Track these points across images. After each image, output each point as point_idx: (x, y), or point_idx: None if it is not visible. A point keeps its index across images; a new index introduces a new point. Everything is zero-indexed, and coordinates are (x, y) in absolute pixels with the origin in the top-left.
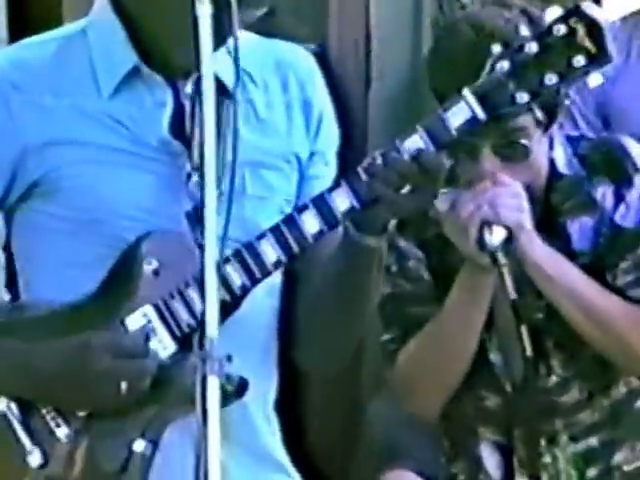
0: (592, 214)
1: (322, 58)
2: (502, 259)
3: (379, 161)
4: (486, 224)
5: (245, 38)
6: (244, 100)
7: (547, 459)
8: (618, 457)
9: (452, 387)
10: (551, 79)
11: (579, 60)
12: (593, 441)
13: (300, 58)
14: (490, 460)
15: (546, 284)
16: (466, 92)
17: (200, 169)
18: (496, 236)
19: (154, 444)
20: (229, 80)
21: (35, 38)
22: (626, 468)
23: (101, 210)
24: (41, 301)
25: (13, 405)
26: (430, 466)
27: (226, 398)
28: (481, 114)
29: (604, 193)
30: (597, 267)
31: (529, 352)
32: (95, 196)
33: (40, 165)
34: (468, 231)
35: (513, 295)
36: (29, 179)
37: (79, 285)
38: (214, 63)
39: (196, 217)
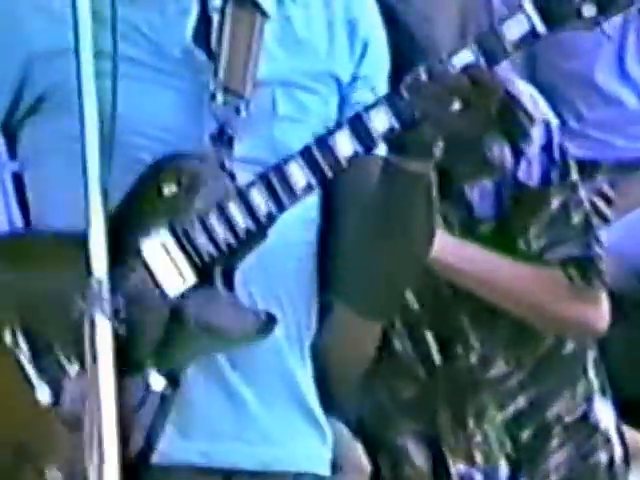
0: (490, 176)
1: None
2: None
3: (424, 76)
4: None
5: None
6: (281, 17)
7: (478, 438)
8: (556, 409)
9: (359, 372)
10: None
11: None
12: (520, 402)
13: None
14: (416, 452)
15: (451, 274)
16: (526, 1)
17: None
18: None
19: (175, 383)
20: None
21: None
22: (568, 419)
23: (116, 128)
24: (50, 230)
25: (21, 340)
26: None
27: (253, 334)
28: (541, 28)
29: (501, 152)
30: (504, 233)
31: (438, 361)
32: (109, 113)
33: (48, 75)
34: None
35: (415, 305)
36: (36, 91)
37: None
38: None
39: (221, 139)
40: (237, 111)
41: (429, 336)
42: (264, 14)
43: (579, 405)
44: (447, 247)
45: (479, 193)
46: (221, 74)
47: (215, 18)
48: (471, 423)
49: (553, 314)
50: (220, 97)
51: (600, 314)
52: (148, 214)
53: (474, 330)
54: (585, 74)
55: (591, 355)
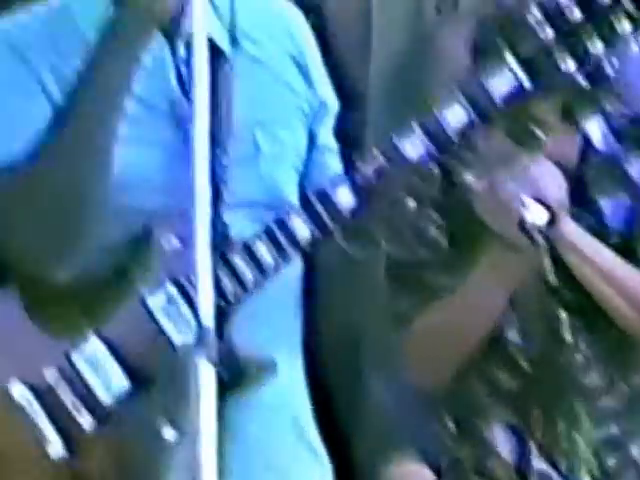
0: (628, 192)
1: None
2: (541, 240)
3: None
4: (526, 204)
5: None
6: (245, 58)
7: (565, 444)
8: (635, 450)
9: (462, 360)
10: (596, 46)
11: (624, 27)
12: (614, 429)
13: (289, 14)
14: (504, 444)
15: (581, 265)
16: (509, 57)
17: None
18: (539, 216)
19: (181, 432)
20: (218, 37)
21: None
22: None
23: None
24: None
25: (29, 392)
26: (433, 454)
27: (254, 379)
28: (526, 81)
29: None
30: (630, 247)
31: (569, 339)
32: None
33: None
34: (509, 211)
35: (552, 278)
36: None
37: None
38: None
39: (214, 191)
40: (221, 159)
41: (539, 329)
42: (223, 55)
43: None
44: (584, 240)
45: (613, 205)
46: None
47: (182, 69)
48: (561, 427)
49: None
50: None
51: None
52: (150, 268)
53: (584, 333)
54: None
55: None
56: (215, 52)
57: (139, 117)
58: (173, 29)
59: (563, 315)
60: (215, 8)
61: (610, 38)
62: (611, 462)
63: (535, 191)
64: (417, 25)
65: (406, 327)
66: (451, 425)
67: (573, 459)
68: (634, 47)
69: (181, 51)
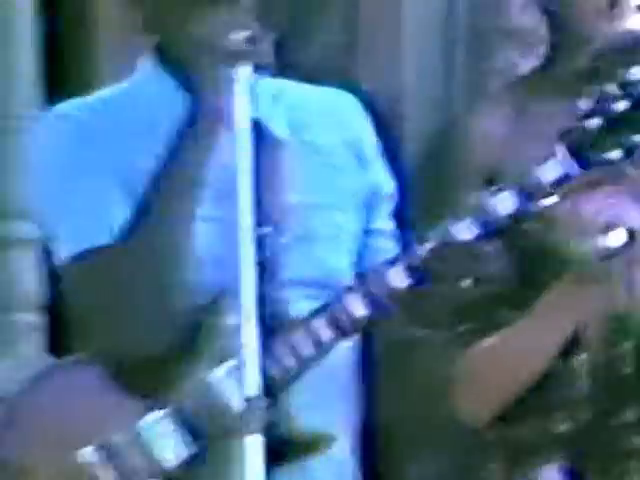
0: None
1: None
2: (617, 266)
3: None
4: (606, 228)
5: (291, 86)
6: (301, 145)
7: None
8: None
9: (511, 396)
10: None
11: None
12: None
13: (345, 101)
14: None
15: None
16: (559, 149)
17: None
18: (617, 238)
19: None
20: (277, 126)
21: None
22: None
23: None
24: None
25: (103, 452)
26: None
27: (313, 450)
28: (575, 169)
29: None
30: None
31: (629, 368)
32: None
33: None
34: (589, 233)
35: (626, 305)
36: None
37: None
38: (260, 111)
39: (266, 266)
40: (279, 240)
41: (603, 372)
42: (281, 142)
43: None
44: None
45: None
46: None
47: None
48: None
49: None
50: (264, 229)
51: None
52: (214, 341)
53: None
54: None
55: None
56: (274, 139)
57: (208, 199)
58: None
59: (629, 365)
60: (274, 98)
61: None
62: None
63: (617, 213)
64: (448, 107)
65: (459, 351)
66: (504, 464)
67: None
68: None
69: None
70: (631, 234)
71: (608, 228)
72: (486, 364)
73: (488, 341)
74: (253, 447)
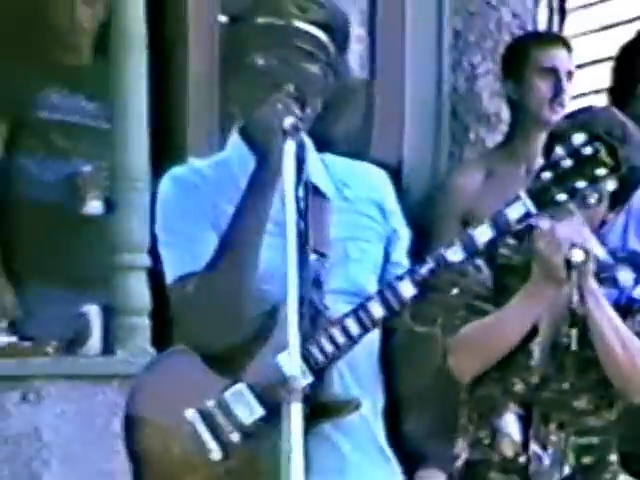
0: (615, 288)
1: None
2: (574, 275)
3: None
4: (571, 247)
5: (332, 157)
6: (342, 198)
7: (554, 437)
8: (612, 456)
9: (490, 362)
10: (581, 184)
11: (601, 171)
12: (594, 440)
13: (374, 172)
14: (513, 426)
15: (596, 307)
16: (522, 194)
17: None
18: (578, 256)
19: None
20: (324, 185)
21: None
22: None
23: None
24: None
25: (198, 415)
26: (449, 465)
27: (345, 412)
28: (533, 210)
29: (625, 277)
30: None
31: (574, 347)
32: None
33: None
34: (560, 248)
35: (576, 304)
36: None
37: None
38: (312, 175)
39: (316, 283)
40: (324, 263)
41: (551, 353)
42: (328, 199)
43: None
44: (599, 290)
45: (605, 294)
46: (311, 241)
47: (301, 204)
48: (553, 427)
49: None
50: (313, 256)
51: None
52: (274, 336)
53: (575, 368)
54: None
55: None
56: (321, 194)
57: (271, 231)
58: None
59: (574, 345)
60: (326, 166)
61: (592, 178)
62: (586, 460)
63: (581, 237)
64: (435, 170)
65: (453, 333)
66: (474, 416)
67: (559, 452)
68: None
69: (299, 191)
70: (586, 253)
71: (573, 247)
72: (476, 338)
73: (477, 322)
74: (297, 411)
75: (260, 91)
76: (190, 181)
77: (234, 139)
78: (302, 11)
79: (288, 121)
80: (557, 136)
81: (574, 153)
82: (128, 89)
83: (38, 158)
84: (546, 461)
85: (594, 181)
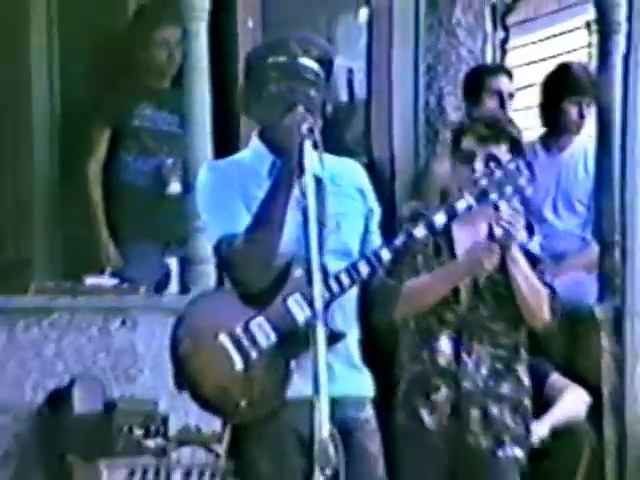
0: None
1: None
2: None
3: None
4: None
5: (330, 157)
6: (334, 185)
7: (476, 350)
8: (518, 366)
9: (424, 308)
10: (509, 190)
11: (522, 181)
12: (504, 353)
13: (355, 166)
14: (446, 345)
15: (514, 267)
16: (466, 194)
17: (305, 225)
18: (498, 233)
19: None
20: (322, 176)
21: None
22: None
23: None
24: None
25: (228, 337)
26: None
27: (336, 340)
28: (474, 204)
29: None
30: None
31: (486, 303)
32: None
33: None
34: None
35: (494, 273)
36: None
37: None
38: (314, 167)
39: (319, 246)
40: (323, 231)
41: (471, 298)
42: (325, 185)
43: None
44: (522, 257)
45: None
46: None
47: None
48: (475, 343)
49: (541, 315)
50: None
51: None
52: (289, 283)
53: (493, 302)
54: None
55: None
56: (322, 183)
57: (293, 209)
58: (300, 170)
59: (488, 295)
60: (321, 161)
61: (516, 187)
62: (499, 366)
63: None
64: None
65: (400, 283)
66: (418, 339)
67: (479, 360)
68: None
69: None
70: (506, 231)
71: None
72: (415, 290)
73: (414, 281)
74: (320, 336)
75: (276, 111)
76: (222, 169)
77: (254, 142)
78: (304, 51)
79: (305, 127)
80: (460, 131)
81: (503, 168)
82: (196, 106)
83: (134, 154)
84: (470, 366)
85: (517, 189)
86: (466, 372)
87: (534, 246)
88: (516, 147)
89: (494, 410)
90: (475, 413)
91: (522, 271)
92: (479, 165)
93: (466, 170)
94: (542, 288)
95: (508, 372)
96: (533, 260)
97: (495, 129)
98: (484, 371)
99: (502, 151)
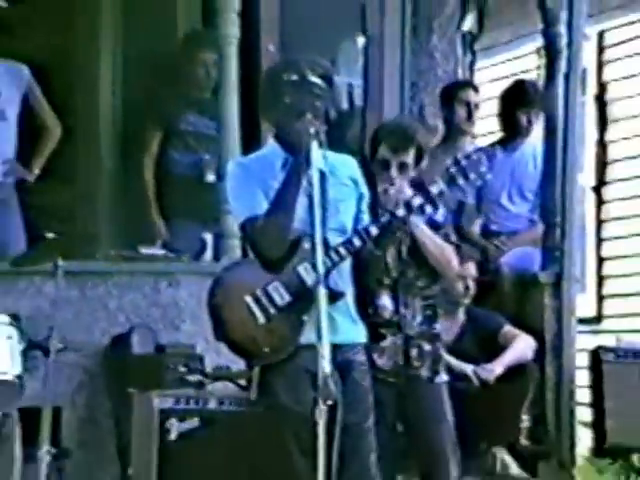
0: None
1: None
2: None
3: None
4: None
5: (330, 153)
6: (333, 176)
7: (410, 303)
8: (439, 310)
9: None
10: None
11: (473, 176)
12: (430, 302)
13: (351, 161)
14: (387, 301)
15: (422, 236)
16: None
17: (311, 198)
18: (401, 212)
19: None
20: (324, 167)
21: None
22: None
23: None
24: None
25: (251, 298)
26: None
27: (337, 298)
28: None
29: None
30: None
31: (411, 267)
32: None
33: None
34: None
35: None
36: None
37: None
38: (319, 162)
39: (322, 225)
40: (326, 213)
41: (399, 264)
42: (327, 175)
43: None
44: (425, 228)
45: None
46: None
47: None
48: (409, 297)
49: (448, 266)
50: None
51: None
52: (298, 254)
53: (414, 263)
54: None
55: None
56: (323, 174)
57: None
58: (308, 164)
59: (410, 260)
60: (324, 157)
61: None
62: (428, 313)
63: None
64: None
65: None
66: (368, 298)
67: (413, 310)
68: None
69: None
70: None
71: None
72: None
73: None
74: (322, 295)
75: (289, 118)
76: (246, 165)
77: (270, 142)
78: (312, 70)
79: (312, 130)
80: (376, 142)
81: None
82: (227, 114)
83: (179, 151)
84: (408, 317)
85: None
86: (405, 322)
87: (438, 217)
88: (419, 153)
89: (427, 348)
90: (414, 352)
91: (425, 234)
92: (394, 172)
93: (384, 178)
94: (447, 246)
95: (436, 316)
96: (437, 226)
97: (404, 138)
98: (418, 319)
99: (410, 157)
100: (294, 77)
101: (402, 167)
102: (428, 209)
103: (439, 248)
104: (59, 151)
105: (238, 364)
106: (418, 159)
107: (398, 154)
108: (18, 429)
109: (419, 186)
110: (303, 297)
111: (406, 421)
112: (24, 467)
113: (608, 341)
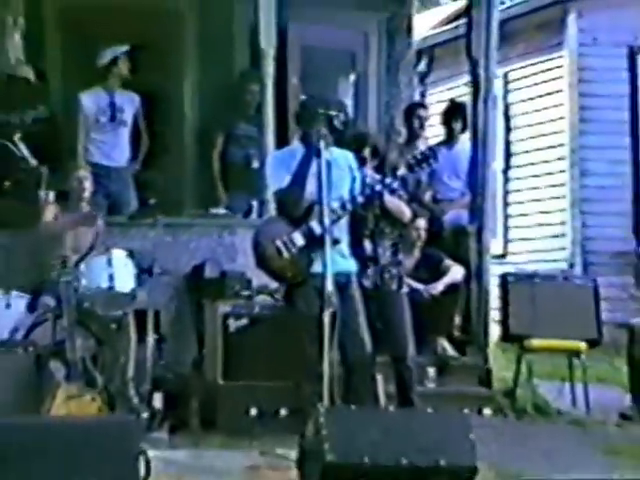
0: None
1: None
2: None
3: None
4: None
5: (335, 149)
6: (335, 165)
7: (382, 245)
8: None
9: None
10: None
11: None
12: (394, 242)
13: (349, 154)
14: (368, 246)
15: (388, 200)
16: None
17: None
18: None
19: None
20: (329, 157)
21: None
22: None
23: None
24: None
25: (277, 241)
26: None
27: (336, 243)
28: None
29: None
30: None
31: (384, 226)
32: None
33: None
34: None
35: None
36: None
37: None
38: (326, 155)
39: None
40: (329, 192)
41: (374, 225)
42: (330, 164)
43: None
44: (394, 199)
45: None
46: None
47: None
48: (385, 242)
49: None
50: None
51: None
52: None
53: (382, 217)
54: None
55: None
56: (328, 163)
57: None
58: (318, 156)
59: (383, 217)
60: (330, 152)
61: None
62: (394, 249)
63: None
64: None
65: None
66: (357, 240)
67: (384, 251)
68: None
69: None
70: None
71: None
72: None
73: None
74: (327, 241)
75: (312, 127)
76: (278, 156)
77: (295, 141)
78: (327, 107)
79: (323, 132)
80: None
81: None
82: (266, 123)
83: (235, 147)
84: (381, 253)
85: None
86: (379, 256)
87: (396, 186)
88: (375, 150)
89: (394, 271)
90: (386, 275)
91: (389, 199)
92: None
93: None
94: (401, 203)
95: (398, 252)
96: (395, 191)
97: (363, 140)
98: (387, 253)
99: (367, 153)
100: (321, 110)
101: (361, 161)
102: (395, 185)
103: (397, 206)
104: (156, 149)
105: (273, 284)
106: (374, 154)
107: (360, 152)
108: (133, 322)
109: (392, 171)
110: (313, 242)
111: (382, 320)
112: (137, 346)
113: (510, 269)
